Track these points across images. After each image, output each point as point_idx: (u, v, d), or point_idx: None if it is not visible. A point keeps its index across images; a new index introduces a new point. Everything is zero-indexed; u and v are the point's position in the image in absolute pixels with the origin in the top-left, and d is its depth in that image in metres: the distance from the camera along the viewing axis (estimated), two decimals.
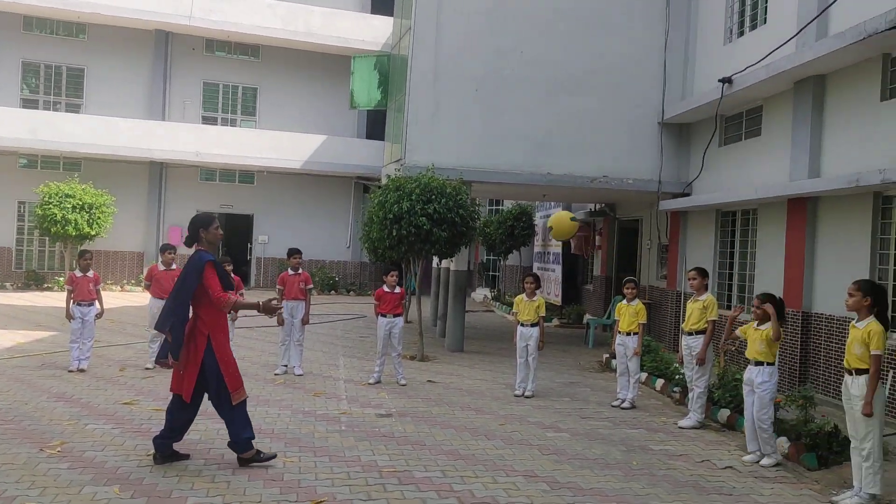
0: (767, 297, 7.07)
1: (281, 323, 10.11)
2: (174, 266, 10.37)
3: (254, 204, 24.09)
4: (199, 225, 6.12)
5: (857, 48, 8.79)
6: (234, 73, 24.05)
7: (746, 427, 7.05)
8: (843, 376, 6.08)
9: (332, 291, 23.56)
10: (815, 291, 10.01)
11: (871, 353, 5.71)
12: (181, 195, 23.46)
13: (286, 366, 10.18)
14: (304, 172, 23.68)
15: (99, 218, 20.11)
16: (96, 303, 10.09)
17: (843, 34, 8.86)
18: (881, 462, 5.82)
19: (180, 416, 5.97)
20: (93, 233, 20.04)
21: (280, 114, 24.16)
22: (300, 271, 10.35)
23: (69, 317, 9.90)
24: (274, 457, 6.09)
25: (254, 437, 6.06)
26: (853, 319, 6.04)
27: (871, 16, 8.36)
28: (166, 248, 10.45)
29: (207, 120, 23.77)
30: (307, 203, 24.33)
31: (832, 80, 9.94)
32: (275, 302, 6.12)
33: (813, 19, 9.83)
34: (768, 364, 6.89)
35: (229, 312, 6.27)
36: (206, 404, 6.09)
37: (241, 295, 9.86)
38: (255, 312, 6.22)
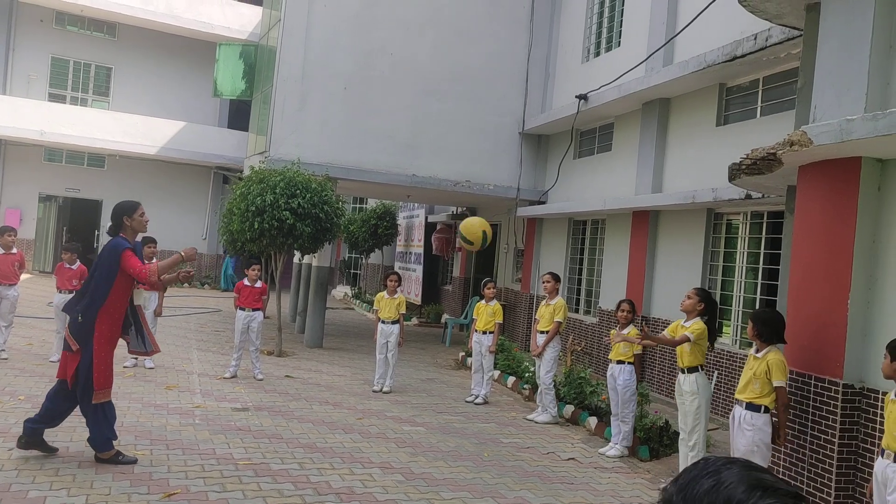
0: (630, 303, 7.70)
1: None
2: (14, 250, 9.77)
3: (103, 189, 22.78)
4: (122, 213, 5.92)
5: (697, 76, 9.64)
6: (86, 50, 22.66)
7: (612, 420, 7.57)
8: (674, 376, 6.70)
9: (186, 284, 22.73)
10: (653, 297, 10.83)
11: (691, 339, 6.39)
12: (22, 175, 21.86)
13: (136, 358, 9.81)
14: (159, 159, 22.67)
15: None
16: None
17: (686, 63, 9.69)
18: (704, 452, 6.46)
19: (60, 403, 5.73)
20: None
21: (136, 96, 23.01)
22: (154, 261, 9.99)
23: None
24: (135, 461, 5.80)
25: (115, 438, 5.84)
26: (681, 322, 6.67)
27: (711, 48, 9.21)
28: (5, 231, 9.80)
29: (55, 97, 22.26)
30: (162, 191, 23.29)
31: (676, 104, 10.81)
32: (188, 250, 5.95)
33: (660, 47, 10.65)
34: (628, 363, 7.46)
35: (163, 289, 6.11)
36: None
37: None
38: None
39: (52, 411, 5.75)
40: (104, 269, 5.75)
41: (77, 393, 5.70)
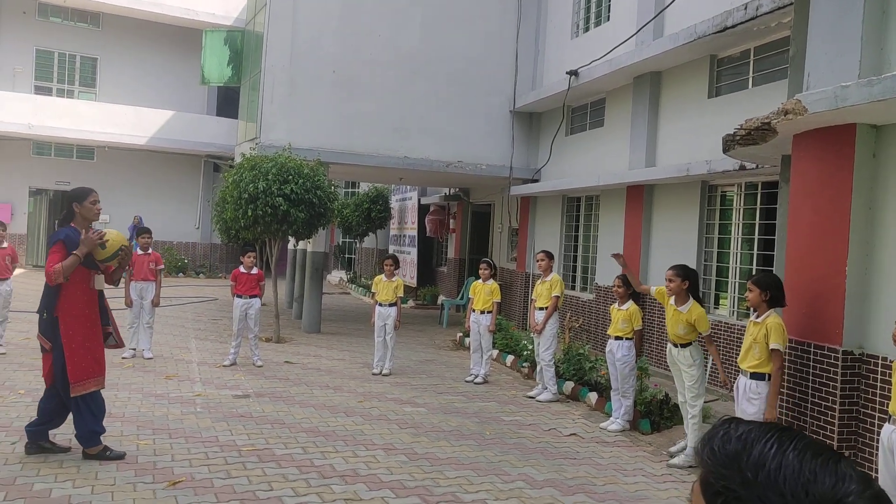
0: (623, 278, 7.69)
1: (129, 304, 9.72)
2: (5, 244, 9.71)
3: (93, 181, 22.49)
4: (72, 199, 5.66)
5: (688, 49, 9.59)
6: (71, 42, 22.42)
7: (612, 395, 7.59)
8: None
9: (181, 274, 22.68)
10: (649, 272, 10.85)
11: (702, 334, 6.36)
12: (11, 170, 21.69)
13: (134, 349, 9.80)
14: (149, 149, 22.52)
15: None
16: None
17: (676, 35, 9.64)
18: (701, 420, 6.53)
19: (47, 402, 5.60)
20: None
21: (123, 87, 22.81)
22: (150, 251, 9.98)
23: None
24: (123, 456, 5.62)
25: (102, 432, 5.65)
26: (671, 303, 6.65)
27: (701, 20, 9.16)
28: None
29: (41, 90, 22.03)
30: (153, 181, 23.18)
31: (667, 77, 10.77)
32: (91, 233, 5.54)
33: (650, 20, 10.59)
34: (627, 339, 7.47)
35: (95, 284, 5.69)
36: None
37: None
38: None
39: (46, 411, 5.62)
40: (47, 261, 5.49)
41: (58, 388, 5.55)
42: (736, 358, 8.80)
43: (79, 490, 4.94)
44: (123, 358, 9.57)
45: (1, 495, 4.75)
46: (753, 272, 8.96)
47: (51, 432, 5.74)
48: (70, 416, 5.72)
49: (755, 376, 5.30)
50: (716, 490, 0.93)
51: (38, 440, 5.62)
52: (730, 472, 0.91)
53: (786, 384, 5.51)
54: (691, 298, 6.43)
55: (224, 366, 9.50)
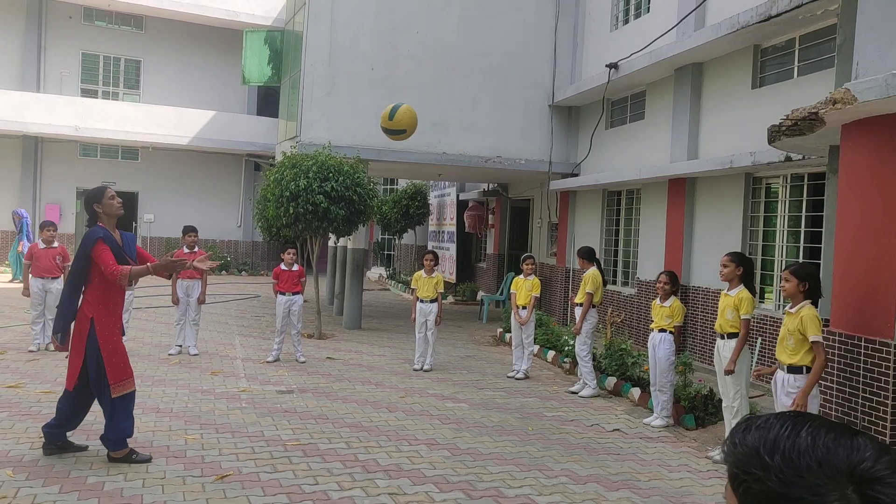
0: (670, 275, 7.60)
1: (176, 302, 9.91)
2: (56, 244, 10.00)
3: (138, 181, 23.11)
4: (91, 201, 5.62)
5: (731, 39, 9.43)
6: (115, 45, 22.90)
7: (651, 390, 7.53)
8: (715, 343, 6.63)
9: (224, 271, 23.02)
10: (692, 266, 10.71)
11: (741, 317, 6.27)
12: (59, 171, 22.23)
13: (181, 346, 9.98)
14: (192, 149, 22.91)
15: None
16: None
17: (718, 25, 9.48)
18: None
19: (67, 404, 5.52)
20: None
21: (166, 88, 23.24)
22: (196, 249, 10.14)
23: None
24: (149, 460, 5.52)
25: (131, 436, 5.59)
26: (724, 290, 6.60)
27: (744, 9, 9.00)
28: (46, 226, 10.06)
29: (87, 93, 22.54)
30: (196, 181, 23.57)
31: (709, 68, 10.60)
32: (169, 256, 5.66)
33: (691, 11, 10.44)
34: (669, 332, 7.39)
35: (130, 285, 5.77)
36: None
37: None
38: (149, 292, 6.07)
39: (65, 414, 5.55)
40: (77, 261, 5.50)
41: (93, 390, 5.48)
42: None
43: (130, 483, 5.06)
44: (170, 354, 9.76)
45: (56, 488, 4.89)
46: None
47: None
48: (84, 419, 5.71)
49: (792, 370, 5.21)
50: (741, 480, 0.97)
51: (55, 441, 5.57)
52: (750, 460, 0.96)
53: (835, 379, 5.41)
54: (742, 285, 6.38)
55: (268, 362, 9.63)
